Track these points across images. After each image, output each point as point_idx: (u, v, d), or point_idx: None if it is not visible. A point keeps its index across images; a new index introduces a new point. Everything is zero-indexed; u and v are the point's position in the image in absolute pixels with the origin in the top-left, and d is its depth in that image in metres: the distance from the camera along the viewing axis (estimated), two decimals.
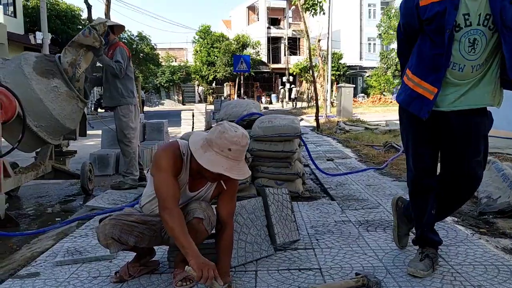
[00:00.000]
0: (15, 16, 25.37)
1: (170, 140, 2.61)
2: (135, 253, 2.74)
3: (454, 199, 2.70)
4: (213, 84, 43.11)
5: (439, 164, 2.69)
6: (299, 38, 45.55)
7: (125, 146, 5.30)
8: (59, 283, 2.63)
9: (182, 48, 51.40)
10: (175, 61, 46.34)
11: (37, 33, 20.43)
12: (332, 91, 24.63)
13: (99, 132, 8.32)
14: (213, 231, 2.60)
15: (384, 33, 37.97)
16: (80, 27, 26.69)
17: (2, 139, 4.30)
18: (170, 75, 43.74)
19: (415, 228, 2.77)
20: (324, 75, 27.58)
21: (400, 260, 2.80)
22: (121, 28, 5.42)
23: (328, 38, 19.26)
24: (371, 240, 3.19)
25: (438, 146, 2.61)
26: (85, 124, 5.88)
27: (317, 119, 13.40)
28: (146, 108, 31.12)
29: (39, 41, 19.59)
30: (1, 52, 10.09)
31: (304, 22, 14.39)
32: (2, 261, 3.28)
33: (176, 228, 2.27)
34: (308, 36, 14.24)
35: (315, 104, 14.62)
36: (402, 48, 2.76)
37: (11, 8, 25.36)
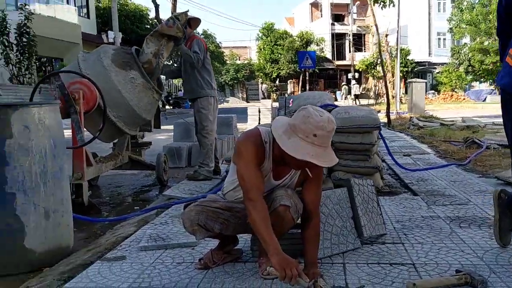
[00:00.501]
0: (88, 17, 26.66)
1: (248, 130, 2.53)
2: (219, 241, 2.70)
3: None
4: (277, 82, 43.12)
5: None
6: (364, 34, 44.64)
7: (203, 138, 5.31)
8: (145, 267, 2.65)
9: (246, 47, 51.89)
10: (239, 59, 46.80)
11: (109, 32, 21.29)
12: (400, 88, 23.89)
13: (170, 127, 8.49)
14: (299, 221, 2.51)
15: (455, 27, 36.31)
16: (148, 26, 27.58)
17: (84, 129, 4.45)
18: (234, 73, 44.22)
19: None
20: (392, 71, 26.84)
21: (505, 259, 2.57)
22: (197, 21, 5.44)
23: (397, 31, 18.62)
24: (467, 237, 2.97)
25: None
26: (159, 116, 6.00)
27: (388, 115, 13.00)
28: None
29: (111, 40, 20.40)
30: (76, 51, 10.55)
31: (373, 15, 14.00)
32: (88, 245, 3.37)
33: (258, 221, 2.20)
34: (377, 29, 13.83)
35: (382, 101, 14.21)
36: (503, 26, 2.53)
37: (84, 10, 26.67)
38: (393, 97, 21.94)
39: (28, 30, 14.24)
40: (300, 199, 2.43)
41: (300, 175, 2.46)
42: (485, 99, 31.31)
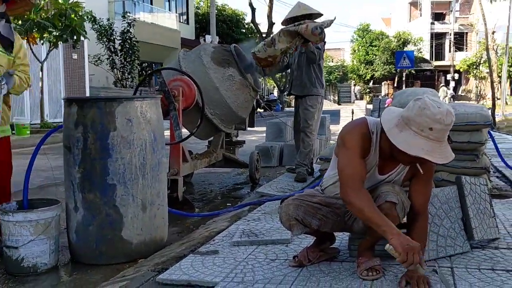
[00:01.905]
0: (187, 23, 27.84)
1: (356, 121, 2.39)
2: (315, 238, 2.59)
3: None
4: (370, 83, 42.02)
5: None
6: (466, 33, 42.13)
7: (306, 137, 5.13)
8: (238, 262, 2.60)
9: (339, 48, 51.20)
10: (332, 61, 46.29)
11: (207, 36, 22.06)
12: (506, 89, 22.17)
13: (261, 128, 8.52)
14: (405, 221, 2.33)
15: None
16: (244, 30, 28.19)
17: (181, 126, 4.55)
18: (326, 75, 43.83)
19: None
20: (497, 71, 25.02)
21: None
22: (318, 16, 5.13)
23: (508, 26, 17.25)
24: None
25: None
26: (254, 115, 6.01)
27: (493, 115, 12.08)
28: None
29: None
30: (175, 55, 11.00)
31: (481, 8, 13.06)
32: (182, 239, 3.42)
33: (366, 208, 2.06)
34: (485, 23, 12.88)
35: (484, 103, 13.23)
36: None
37: (184, 17, 27.91)
38: (498, 98, 20.41)
39: (131, 36, 15.12)
40: (410, 196, 2.27)
41: (409, 171, 2.28)
42: None
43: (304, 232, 2.42)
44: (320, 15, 4.97)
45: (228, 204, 4.65)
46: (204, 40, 23.07)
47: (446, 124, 1.98)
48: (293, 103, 7.18)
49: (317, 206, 2.37)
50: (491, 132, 4.69)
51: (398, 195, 2.19)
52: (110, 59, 14.93)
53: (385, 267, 2.36)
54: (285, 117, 8.21)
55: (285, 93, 44.29)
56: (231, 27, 28.78)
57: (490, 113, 4.17)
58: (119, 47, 15.00)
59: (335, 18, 4.77)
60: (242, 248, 2.87)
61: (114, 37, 14.96)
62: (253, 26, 25.66)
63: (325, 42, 4.99)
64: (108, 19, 15.43)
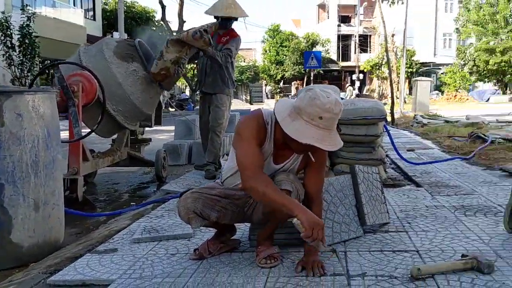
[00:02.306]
0: (94, 19, 26.71)
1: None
2: (216, 230, 2.60)
3: None
4: (281, 83, 43.02)
5: None
6: (370, 35, 44.53)
7: (216, 136, 5.08)
8: (137, 259, 2.55)
9: (250, 48, 51.79)
10: (244, 61, 46.75)
11: (114, 33, 21.31)
12: (404, 88, 23.73)
13: (171, 127, 8.40)
14: None
15: (462, 27, 36.11)
16: (154, 28, 27.60)
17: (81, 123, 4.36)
18: (238, 75, 44.14)
19: None
20: (397, 72, 26.72)
21: (511, 244, 2.46)
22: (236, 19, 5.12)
23: (404, 29, 18.46)
24: (472, 225, 2.85)
25: None
26: (161, 112, 5.90)
27: (392, 113, 12.88)
28: None
29: None
30: None
31: (381, 12, 13.85)
32: (80, 239, 3.28)
33: (269, 191, 2.09)
34: (384, 26, 13.68)
35: (386, 102, 14.10)
36: None
37: (91, 13, 26.75)
38: (397, 97, 21.78)
39: (30, 31, 14.21)
40: (304, 184, 2.34)
41: (302, 159, 2.35)
42: (488, 99, 31.04)
43: (203, 224, 2.41)
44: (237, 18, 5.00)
45: (132, 203, 4.52)
46: (111, 37, 22.27)
47: (334, 113, 2.07)
48: None
49: (216, 198, 2.38)
50: (387, 127, 4.98)
51: (292, 183, 2.25)
52: (7, 55, 13.91)
53: (283, 255, 2.43)
54: (196, 116, 8.13)
55: (197, 92, 43.92)
56: (140, 25, 28.05)
57: (384, 108, 4.43)
58: (17, 43, 14.02)
59: (218, 21, 4.75)
60: (142, 245, 2.81)
61: (11, 31, 13.96)
62: (163, 24, 25.21)
63: (235, 40, 4.97)
64: (3, 12, 14.37)
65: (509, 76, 33.40)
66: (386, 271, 2.17)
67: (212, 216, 2.36)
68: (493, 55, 32.15)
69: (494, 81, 36.30)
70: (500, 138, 6.93)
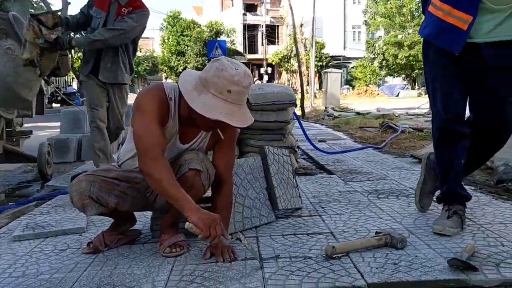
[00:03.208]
0: None
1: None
2: (113, 220, 2.52)
3: (483, 150, 2.59)
4: None
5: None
6: (277, 26, 45.56)
7: (119, 131, 4.58)
8: (18, 257, 2.41)
9: (148, 38, 50.81)
10: (140, 51, 45.76)
11: None
12: (314, 82, 24.67)
13: (54, 123, 8.01)
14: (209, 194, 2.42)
15: (370, 19, 38.23)
16: (32, 10, 26.12)
17: None
18: (134, 67, 43.11)
19: (440, 184, 2.64)
20: (307, 64, 27.63)
21: (422, 222, 2.67)
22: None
23: (313, 20, 19.19)
24: (385, 206, 3.05)
25: (469, 86, 2.48)
26: (43, 100, 5.60)
27: (302, 107, 13.34)
28: None
29: None
30: None
31: (289, 2, 14.27)
32: None
33: (165, 180, 2.05)
34: (292, 17, 14.12)
35: (298, 95, 14.53)
36: None
37: None
38: (307, 91, 22.58)
39: None
40: (213, 163, 2.34)
41: (211, 137, 2.35)
42: (398, 94, 33.22)
43: (100, 212, 2.33)
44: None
45: (10, 203, 4.24)
46: None
47: (244, 86, 2.07)
48: None
49: (114, 182, 2.30)
50: (300, 119, 5.17)
51: (202, 162, 2.24)
52: None
53: (190, 243, 2.42)
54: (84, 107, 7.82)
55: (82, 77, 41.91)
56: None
57: (293, 92, 4.59)
58: None
59: (61, 9, 4.43)
60: (25, 242, 2.67)
61: None
62: (42, 4, 23.91)
63: (136, 13, 4.15)
64: None
65: (417, 71, 35.93)
66: (300, 252, 2.25)
67: (110, 202, 2.28)
68: (402, 49, 34.40)
69: (403, 75, 38.82)
70: (410, 127, 7.47)
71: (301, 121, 11.56)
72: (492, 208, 2.91)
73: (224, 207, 2.32)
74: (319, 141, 7.01)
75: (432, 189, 2.83)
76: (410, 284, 1.88)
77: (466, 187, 2.77)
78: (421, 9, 2.76)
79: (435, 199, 2.80)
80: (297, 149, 4.94)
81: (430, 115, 2.80)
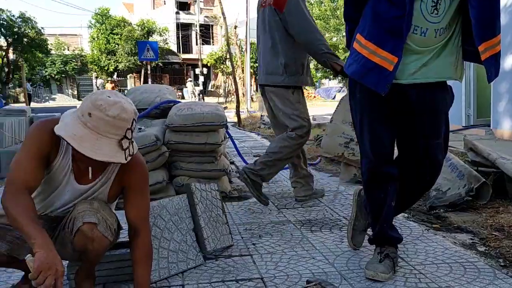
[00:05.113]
0: None
1: None
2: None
3: (413, 189, 2.62)
4: (114, 76, 41.68)
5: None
6: (212, 25, 45.40)
7: None
8: None
9: (75, 35, 49.31)
10: (68, 50, 44.28)
11: None
12: (251, 85, 24.71)
13: None
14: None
15: None
16: None
17: None
18: (62, 66, 41.58)
19: (371, 224, 2.65)
20: (242, 67, 27.64)
21: (355, 263, 2.67)
22: None
23: (246, 22, 19.21)
24: (318, 242, 3.03)
25: (396, 126, 2.51)
26: None
27: (238, 114, 13.28)
28: (33, 104, 29.18)
29: None
30: None
31: (220, 3, 14.19)
32: None
33: (21, 216, 1.86)
34: (224, 18, 14.06)
35: (232, 99, 14.50)
36: (350, 12, 2.62)
37: None
38: (243, 94, 22.58)
39: None
40: (125, 211, 2.19)
41: (115, 182, 2.19)
42: (334, 97, 33.95)
43: None
44: None
45: None
46: None
47: (107, 114, 1.90)
48: (21, 99, 6.17)
49: (6, 227, 2.09)
50: (229, 132, 5.09)
51: (98, 212, 2.08)
52: None
53: None
54: (3, 117, 7.39)
55: (10, 85, 40.38)
56: None
57: (224, 113, 4.51)
58: None
59: None
60: None
61: None
62: None
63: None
64: None
65: None
66: None
67: (2, 248, 2.07)
68: (337, 51, 35.20)
69: (340, 78, 39.73)
70: None
71: (238, 130, 11.58)
72: (424, 244, 2.96)
73: (142, 258, 2.18)
74: (255, 156, 6.98)
75: (365, 226, 2.84)
76: None
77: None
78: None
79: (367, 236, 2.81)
80: (231, 169, 4.87)
81: None
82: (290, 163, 4.16)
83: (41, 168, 2.04)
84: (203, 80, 39.95)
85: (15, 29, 32.98)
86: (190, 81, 38.57)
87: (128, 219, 2.18)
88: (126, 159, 1.98)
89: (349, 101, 2.62)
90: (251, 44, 23.75)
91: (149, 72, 24.61)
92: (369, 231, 2.79)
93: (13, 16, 32.76)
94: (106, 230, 2.08)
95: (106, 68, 39.98)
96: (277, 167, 3.97)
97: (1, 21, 33.29)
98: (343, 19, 2.99)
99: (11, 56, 35.66)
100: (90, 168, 2.07)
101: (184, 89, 39.14)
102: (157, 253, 2.49)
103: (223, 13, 13.98)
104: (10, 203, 1.90)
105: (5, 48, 34.59)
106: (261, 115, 14.02)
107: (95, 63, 40.40)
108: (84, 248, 2.07)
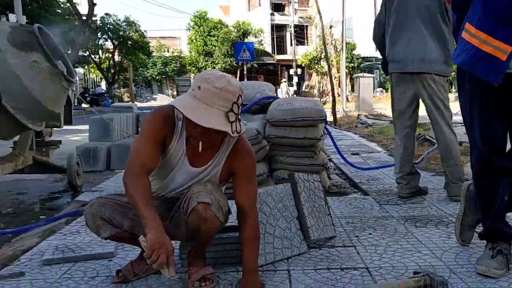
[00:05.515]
0: None
1: None
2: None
3: None
4: None
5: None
6: (306, 26, 45.33)
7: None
8: (49, 284, 2.44)
9: (175, 37, 51.33)
10: (168, 51, 46.20)
11: (10, 15, 20.25)
12: (346, 84, 24.45)
13: (84, 127, 8.13)
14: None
15: None
16: (59, 10, 26.61)
17: None
18: (162, 67, 43.57)
19: (482, 219, 2.57)
20: (337, 67, 27.43)
21: (464, 258, 2.60)
22: None
23: (342, 21, 19.06)
24: (423, 237, 2.99)
25: (510, 117, 2.41)
26: (71, 110, 5.69)
27: (334, 113, 13.23)
28: (136, 104, 30.85)
29: None
30: None
31: (316, 3, 14.19)
32: None
33: (138, 197, 2.08)
34: (321, 18, 14.04)
35: (327, 99, 14.44)
36: (459, 2, 2.56)
37: None
38: (338, 94, 22.44)
39: None
40: (234, 197, 2.31)
41: (225, 166, 2.31)
42: None
43: (115, 234, 2.32)
44: None
45: (42, 217, 4.33)
46: (7, 19, 21.16)
47: (215, 86, 2.05)
48: (126, 98, 6.55)
49: (128, 205, 2.29)
50: (328, 128, 5.12)
51: (211, 194, 2.20)
52: None
53: (219, 275, 2.42)
54: (114, 114, 7.92)
55: (116, 85, 42.77)
56: (42, 7, 26.88)
57: (324, 108, 4.54)
58: None
59: None
60: (55, 267, 2.70)
61: None
62: (70, 7, 24.32)
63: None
64: None
65: (453, 73, 35.33)
66: None
67: (124, 225, 2.30)
68: None
69: None
70: None
71: (334, 129, 11.53)
72: None
73: (250, 241, 2.29)
74: (353, 154, 6.95)
75: (474, 222, 2.76)
76: None
77: None
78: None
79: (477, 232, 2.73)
80: (329, 165, 4.90)
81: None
82: (399, 159, 4.07)
83: (158, 152, 2.23)
84: (297, 80, 40.01)
85: (121, 33, 34.90)
86: (284, 81, 38.75)
87: (237, 204, 2.31)
88: (232, 133, 2.12)
89: (458, 91, 2.57)
90: (346, 44, 23.49)
91: (244, 72, 25.07)
92: (479, 228, 2.72)
93: (119, 20, 34.67)
94: (218, 211, 2.21)
95: (203, 69, 41.28)
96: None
97: (108, 25, 35.43)
98: None
99: (117, 58, 37.85)
100: (200, 143, 2.21)
101: (278, 90, 39.34)
102: (263, 238, 2.58)
103: (319, 12, 13.97)
104: (129, 183, 2.13)
105: (111, 50, 36.78)
106: (358, 115, 13.88)
107: (193, 64, 41.88)
108: (197, 227, 2.20)
